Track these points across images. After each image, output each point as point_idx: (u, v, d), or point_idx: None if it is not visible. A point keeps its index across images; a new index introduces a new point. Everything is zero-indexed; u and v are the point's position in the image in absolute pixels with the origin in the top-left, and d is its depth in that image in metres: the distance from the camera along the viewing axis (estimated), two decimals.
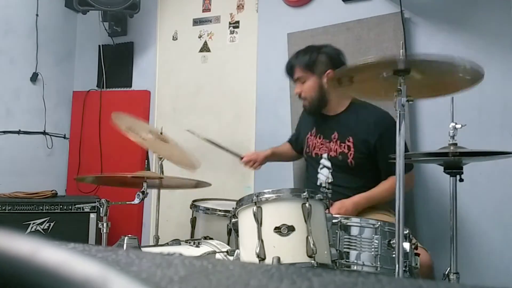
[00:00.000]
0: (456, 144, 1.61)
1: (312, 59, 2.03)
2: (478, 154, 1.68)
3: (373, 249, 1.55)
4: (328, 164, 2.05)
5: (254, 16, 2.86)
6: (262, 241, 1.38)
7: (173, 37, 3.13)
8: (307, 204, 1.40)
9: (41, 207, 2.48)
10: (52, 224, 2.48)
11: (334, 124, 2.07)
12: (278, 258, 1.35)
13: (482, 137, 2.13)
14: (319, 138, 2.11)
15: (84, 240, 2.49)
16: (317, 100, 2.05)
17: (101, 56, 3.25)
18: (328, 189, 2.04)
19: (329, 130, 2.07)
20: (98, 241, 2.36)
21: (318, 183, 2.08)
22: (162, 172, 2.28)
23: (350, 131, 2.01)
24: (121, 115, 2.13)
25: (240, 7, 2.92)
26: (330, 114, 2.10)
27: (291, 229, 1.39)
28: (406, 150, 2.06)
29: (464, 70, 1.37)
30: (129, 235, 1.55)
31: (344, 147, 2.00)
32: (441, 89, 1.58)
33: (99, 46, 3.26)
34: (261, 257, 1.37)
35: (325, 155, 2.06)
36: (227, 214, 2.00)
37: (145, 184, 1.83)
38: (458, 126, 1.61)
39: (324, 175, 2.06)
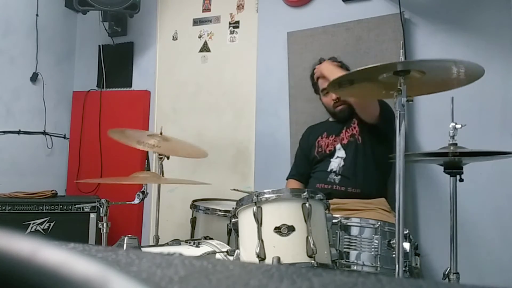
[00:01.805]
0: (456, 144, 1.61)
1: (345, 67, 2.26)
2: (478, 154, 1.68)
3: (373, 249, 1.55)
4: (342, 153, 2.17)
5: (254, 16, 2.86)
6: (262, 241, 1.38)
7: (173, 37, 3.13)
8: (307, 204, 1.40)
9: (41, 207, 2.48)
10: (52, 224, 2.48)
11: (343, 124, 2.25)
12: (278, 258, 1.35)
13: (482, 137, 2.13)
14: (331, 137, 2.25)
15: (84, 240, 2.49)
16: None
17: (101, 56, 3.25)
18: (338, 174, 2.13)
19: (339, 129, 2.24)
20: (98, 241, 2.36)
21: (329, 169, 2.16)
22: (162, 172, 2.28)
23: (354, 118, 2.20)
24: (116, 130, 2.21)
25: (240, 7, 2.92)
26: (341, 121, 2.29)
27: (291, 229, 1.39)
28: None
29: (462, 71, 1.38)
30: (129, 235, 1.55)
31: (352, 129, 2.19)
32: (440, 86, 1.59)
33: (99, 46, 3.26)
34: (261, 257, 1.37)
35: (338, 146, 2.20)
36: (227, 214, 2.00)
37: (145, 184, 1.83)
38: (458, 126, 1.61)
39: (336, 162, 2.16)
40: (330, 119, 2.37)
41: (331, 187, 2.10)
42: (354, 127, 2.19)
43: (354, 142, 2.15)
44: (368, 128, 2.13)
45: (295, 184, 2.32)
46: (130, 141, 2.16)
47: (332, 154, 2.20)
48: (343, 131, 2.22)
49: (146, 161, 2.50)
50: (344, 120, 2.25)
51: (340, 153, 2.18)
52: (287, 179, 2.40)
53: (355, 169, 2.11)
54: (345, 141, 2.18)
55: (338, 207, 1.99)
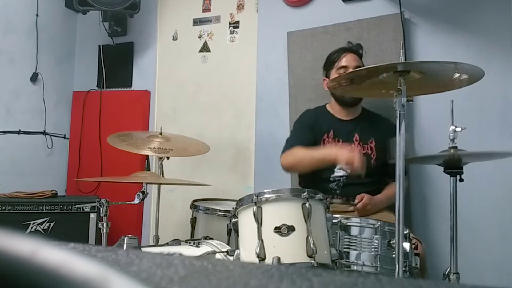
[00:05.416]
0: (456, 147, 1.60)
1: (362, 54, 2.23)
2: (478, 155, 1.68)
3: (373, 249, 1.55)
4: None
5: (254, 16, 2.86)
6: (262, 241, 1.38)
7: (173, 37, 3.13)
8: (307, 204, 1.40)
9: (41, 207, 2.48)
10: (52, 224, 2.48)
11: (352, 127, 2.16)
12: (278, 258, 1.35)
13: (482, 138, 2.13)
14: (338, 142, 2.13)
15: (84, 240, 2.49)
16: None
17: (101, 56, 3.25)
18: (340, 181, 2.06)
19: (348, 133, 2.14)
20: (98, 241, 2.36)
21: (332, 178, 2.08)
22: (162, 172, 2.28)
23: (370, 134, 2.12)
24: (114, 137, 2.20)
25: (240, 7, 2.92)
26: (345, 119, 2.21)
27: (291, 229, 1.39)
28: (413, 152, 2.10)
29: (463, 73, 1.39)
30: (129, 235, 1.55)
31: (368, 149, 2.10)
32: (441, 87, 1.59)
33: (99, 46, 3.26)
34: (261, 257, 1.37)
35: None
36: (227, 214, 2.00)
37: (145, 184, 1.83)
38: (458, 129, 1.60)
39: (341, 172, 2.07)
40: (328, 107, 2.27)
41: (332, 196, 2.05)
42: (371, 147, 2.11)
43: (367, 163, 2.01)
44: (385, 153, 2.08)
45: (301, 149, 2.04)
46: (132, 147, 2.15)
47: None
48: (355, 142, 2.12)
49: (146, 161, 2.51)
50: (348, 101, 2.13)
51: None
52: (283, 152, 2.14)
53: (360, 185, 2.05)
54: None
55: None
